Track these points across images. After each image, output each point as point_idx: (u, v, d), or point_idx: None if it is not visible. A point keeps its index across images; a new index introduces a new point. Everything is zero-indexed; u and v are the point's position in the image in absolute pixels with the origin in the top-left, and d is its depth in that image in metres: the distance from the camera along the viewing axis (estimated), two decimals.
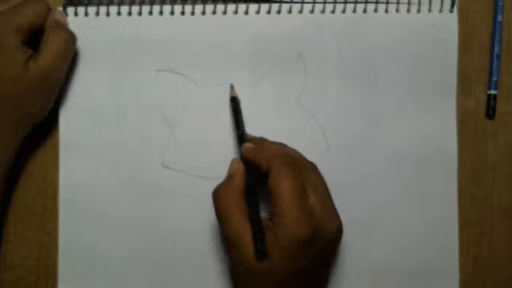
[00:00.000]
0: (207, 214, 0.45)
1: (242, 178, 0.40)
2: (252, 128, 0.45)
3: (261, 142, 0.42)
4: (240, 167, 0.41)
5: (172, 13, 0.46)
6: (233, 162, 0.42)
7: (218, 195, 0.40)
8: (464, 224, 0.46)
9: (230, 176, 0.41)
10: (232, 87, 0.45)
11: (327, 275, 0.42)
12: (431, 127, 0.46)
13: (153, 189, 0.46)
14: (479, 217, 0.46)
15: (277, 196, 0.37)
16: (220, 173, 0.46)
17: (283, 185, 0.37)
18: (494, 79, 0.46)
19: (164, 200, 0.46)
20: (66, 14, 0.45)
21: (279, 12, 0.46)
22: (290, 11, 0.46)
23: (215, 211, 0.40)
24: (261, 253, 0.37)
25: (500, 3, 0.46)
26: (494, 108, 0.46)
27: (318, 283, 0.41)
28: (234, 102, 0.45)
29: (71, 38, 0.44)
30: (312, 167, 0.41)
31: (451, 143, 0.46)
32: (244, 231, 0.38)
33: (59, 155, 0.46)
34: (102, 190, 0.46)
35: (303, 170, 0.39)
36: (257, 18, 0.46)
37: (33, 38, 0.43)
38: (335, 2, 0.46)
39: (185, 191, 0.46)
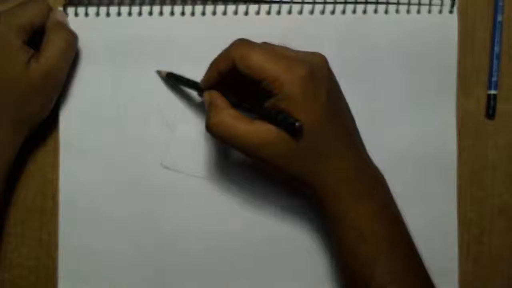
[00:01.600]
0: (206, 214, 0.46)
1: (220, 96, 0.40)
2: None
3: (210, 63, 0.42)
4: (212, 92, 0.41)
5: (172, 13, 0.46)
6: (204, 95, 0.42)
7: (213, 125, 0.39)
8: (464, 224, 0.46)
9: (209, 105, 0.40)
10: (157, 71, 0.46)
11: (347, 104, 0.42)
12: (431, 127, 0.46)
13: (152, 189, 0.46)
14: (479, 217, 0.46)
15: (257, 70, 0.37)
16: (219, 174, 0.46)
17: (253, 57, 0.38)
18: (494, 79, 0.46)
19: (164, 200, 0.46)
20: (66, 14, 0.46)
21: (279, 13, 0.46)
22: (290, 12, 0.46)
23: (223, 141, 0.39)
24: (297, 128, 0.36)
25: (500, 3, 0.46)
26: (494, 108, 0.46)
27: (352, 124, 0.41)
28: (172, 75, 0.45)
29: (73, 38, 0.44)
30: (263, 42, 0.40)
31: (451, 143, 0.46)
32: (261, 128, 0.37)
33: (59, 155, 0.46)
34: (102, 190, 0.46)
35: (257, 43, 0.40)
36: (257, 19, 0.46)
37: (34, 38, 0.43)
38: (335, 3, 0.46)
39: (184, 191, 0.46)
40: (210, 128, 0.39)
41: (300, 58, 0.38)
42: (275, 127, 0.37)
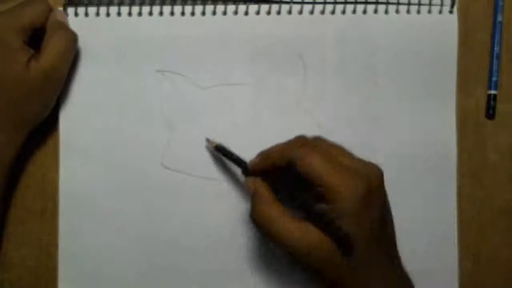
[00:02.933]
0: (207, 214, 0.46)
1: (266, 186, 0.39)
2: (251, 129, 0.45)
3: (263, 152, 0.41)
4: (257, 180, 0.40)
5: (172, 13, 0.46)
6: (247, 182, 0.41)
7: (256, 217, 0.38)
8: (464, 224, 0.46)
9: (253, 194, 0.39)
10: (207, 139, 0.45)
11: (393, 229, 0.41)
12: (431, 127, 0.46)
13: (153, 190, 0.46)
14: (479, 217, 0.46)
15: (316, 176, 0.37)
16: (219, 174, 0.46)
17: (314, 163, 0.37)
18: (494, 79, 0.46)
19: (164, 200, 0.46)
20: (67, 14, 0.46)
21: (279, 12, 0.46)
22: (290, 12, 0.46)
23: (263, 234, 0.38)
24: (348, 244, 0.35)
25: (500, 3, 0.46)
26: (494, 108, 0.46)
27: (394, 241, 0.40)
28: (221, 148, 0.44)
29: (73, 37, 0.44)
30: (319, 139, 0.40)
31: (451, 143, 0.46)
32: (308, 229, 0.36)
33: (59, 155, 0.46)
34: (102, 190, 0.46)
35: (316, 144, 0.39)
36: (257, 19, 0.46)
37: (34, 38, 0.43)
38: (335, 3, 0.46)
39: (185, 191, 0.46)
40: (252, 218, 0.39)
41: (359, 171, 0.37)
42: (322, 233, 0.36)
